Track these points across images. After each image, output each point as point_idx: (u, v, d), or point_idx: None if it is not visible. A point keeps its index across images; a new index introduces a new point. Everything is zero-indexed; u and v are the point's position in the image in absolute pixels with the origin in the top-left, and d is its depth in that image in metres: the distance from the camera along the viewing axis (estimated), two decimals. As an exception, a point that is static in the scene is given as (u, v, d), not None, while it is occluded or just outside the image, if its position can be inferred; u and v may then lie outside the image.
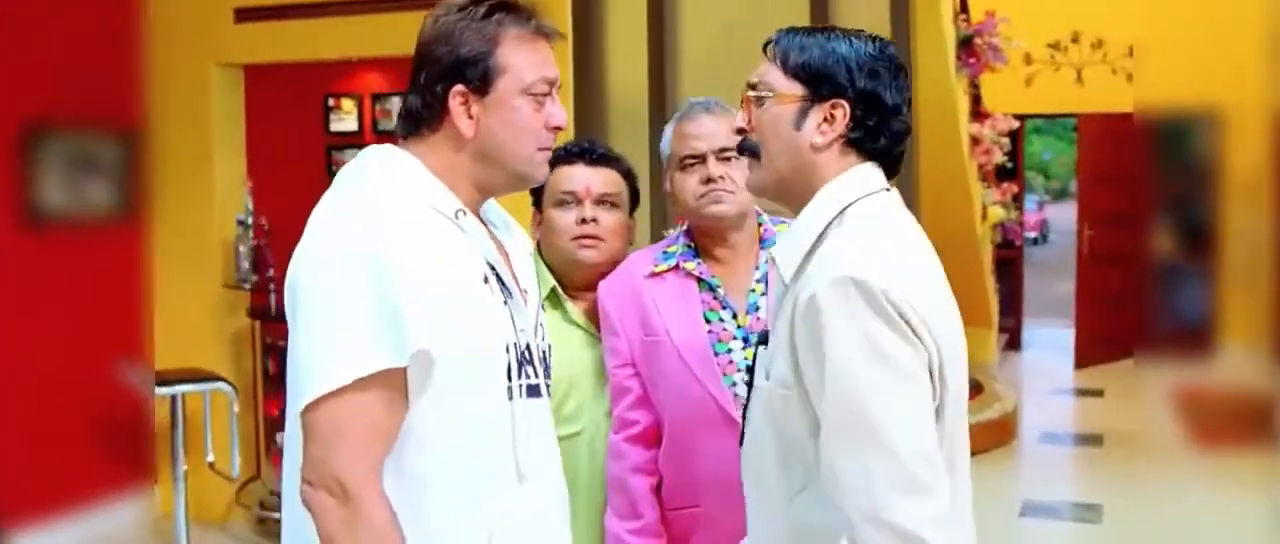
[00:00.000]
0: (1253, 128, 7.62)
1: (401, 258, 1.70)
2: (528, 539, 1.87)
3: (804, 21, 4.64)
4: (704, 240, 2.50)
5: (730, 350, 2.44)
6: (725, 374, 2.43)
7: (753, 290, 2.47)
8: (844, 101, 1.81)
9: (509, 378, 1.84)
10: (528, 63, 1.85)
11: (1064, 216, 24.90)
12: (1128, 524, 5.83)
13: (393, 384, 1.71)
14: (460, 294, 1.78)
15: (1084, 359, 9.99)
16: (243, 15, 5.45)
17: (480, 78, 1.82)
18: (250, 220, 5.47)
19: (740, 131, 1.89)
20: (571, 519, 2.04)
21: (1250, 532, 5.67)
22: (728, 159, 2.43)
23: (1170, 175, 12.93)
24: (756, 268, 2.49)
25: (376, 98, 6.06)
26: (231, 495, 5.52)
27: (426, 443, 1.77)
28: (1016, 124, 8.88)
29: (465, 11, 1.84)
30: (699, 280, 2.47)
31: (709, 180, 2.43)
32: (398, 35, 5.16)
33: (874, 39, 1.87)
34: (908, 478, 1.65)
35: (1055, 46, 9.84)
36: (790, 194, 1.87)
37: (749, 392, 1.95)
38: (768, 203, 2.53)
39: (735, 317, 2.45)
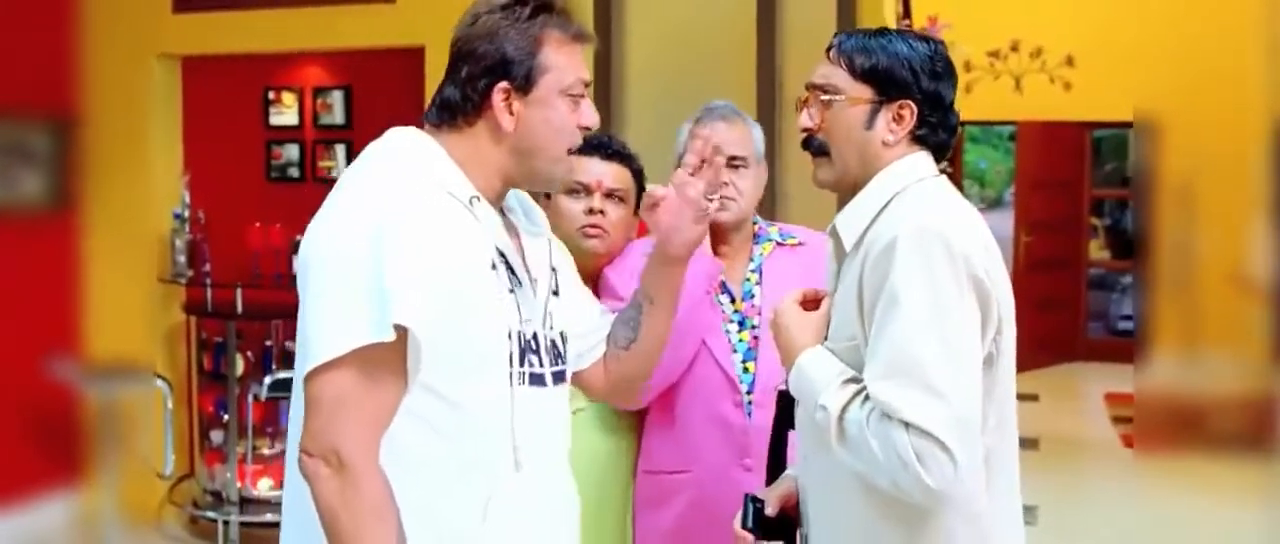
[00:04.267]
0: (1185, 137, 7.75)
1: (401, 236, 1.76)
2: (522, 524, 1.90)
3: (750, 23, 4.66)
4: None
5: (727, 331, 2.62)
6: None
7: (748, 280, 2.65)
8: (911, 101, 1.93)
9: (510, 365, 1.88)
10: (568, 64, 1.93)
11: (997, 225, 25.21)
12: (1062, 525, 5.90)
13: (390, 359, 1.76)
14: (462, 278, 1.83)
15: (1020, 364, 10.02)
16: (181, 5, 5.36)
17: (524, 76, 1.90)
18: (187, 214, 5.39)
19: (806, 131, 1.99)
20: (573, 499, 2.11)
21: (1183, 533, 5.77)
22: (736, 167, 2.59)
23: (1106, 183, 13.05)
24: (750, 260, 2.67)
25: (318, 91, 5.99)
26: (164, 494, 5.43)
27: (423, 422, 1.82)
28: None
29: (509, 11, 1.92)
30: None
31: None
32: (339, 28, 5.16)
33: (925, 40, 1.98)
34: (944, 404, 1.76)
35: (995, 55, 9.93)
36: (855, 186, 1.98)
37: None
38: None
39: (733, 301, 2.64)
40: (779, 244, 2.69)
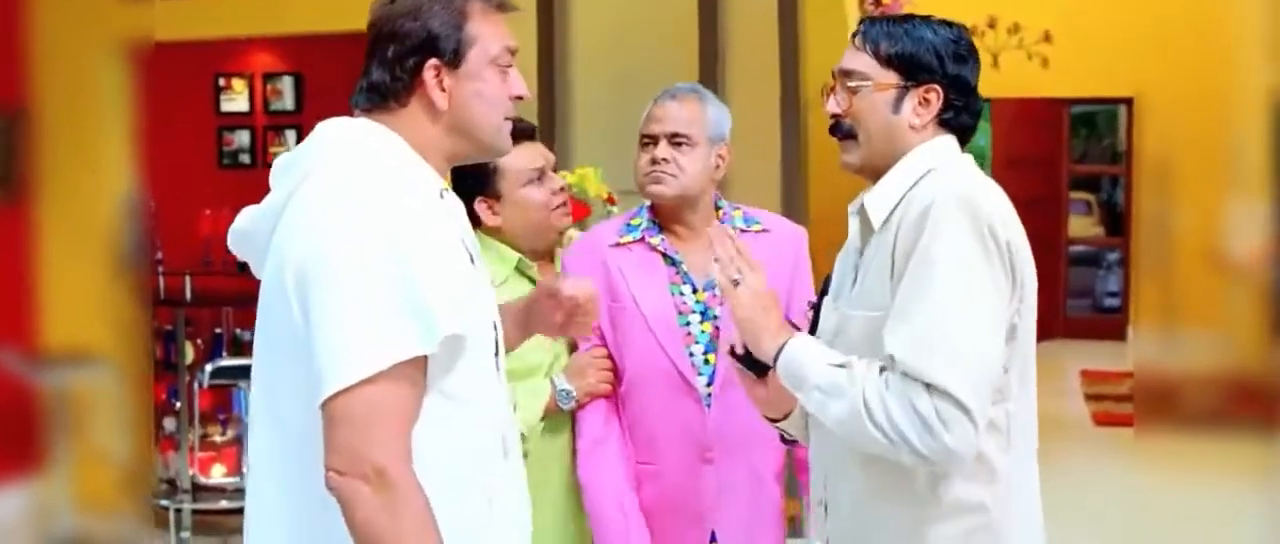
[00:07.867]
0: (1163, 114, 7.71)
1: (420, 244, 1.74)
2: (516, 511, 1.94)
3: (692, 11, 4.65)
4: (662, 217, 2.66)
5: (689, 323, 2.63)
6: (684, 344, 2.61)
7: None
8: (937, 85, 1.97)
9: (495, 356, 1.91)
10: (494, 34, 1.90)
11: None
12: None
13: (419, 370, 1.75)
14: (460, 275, 1.82)
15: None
16: (129, -9, 5.33)
17: (453, 51, 1.86)
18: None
19: (834, 117, 2.02)
20: (542, 484, 2.22)
21: (1149, 508, 5.75)
22: (679, 145, 2.59)
23: (1099, 159, 13.03)
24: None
25: (268, 77, 5.97)
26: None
27: (429, 419, 1.79)
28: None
29: None
30: (664, 255, 2.63)
31: (655, 161, 2.58)
32: (289, 13, 5.14)
33: (949, 25, 2.01)
34: (968, 367, 1.79)
35: (972, 31, 9.87)
36: (879, 171, 2.01)
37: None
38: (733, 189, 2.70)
39: (695, 291, 2.63)
40: (743, 230, 2.64)
